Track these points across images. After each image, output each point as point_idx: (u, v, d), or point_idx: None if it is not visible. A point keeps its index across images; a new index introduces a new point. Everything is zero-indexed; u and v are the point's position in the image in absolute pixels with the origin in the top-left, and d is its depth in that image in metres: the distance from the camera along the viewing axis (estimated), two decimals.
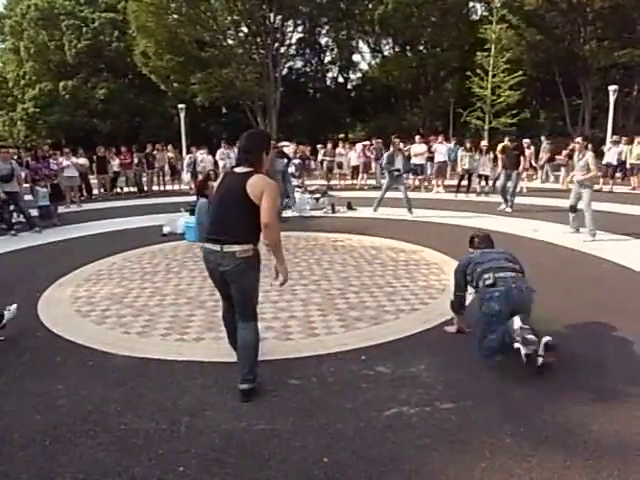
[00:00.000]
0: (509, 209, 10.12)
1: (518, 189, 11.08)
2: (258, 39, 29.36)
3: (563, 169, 14.69)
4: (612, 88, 17.67)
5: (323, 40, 35.87)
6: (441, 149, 14.21)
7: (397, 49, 33.87)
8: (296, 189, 11.68)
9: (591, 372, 3.30)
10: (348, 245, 7.35)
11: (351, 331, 4.05)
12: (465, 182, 13.27)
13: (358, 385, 3.18)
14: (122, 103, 32.48)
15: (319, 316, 4.39)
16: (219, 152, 15.10)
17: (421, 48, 32.28)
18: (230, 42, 29.21)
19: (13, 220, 9.05)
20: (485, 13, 29.60)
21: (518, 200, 10.54)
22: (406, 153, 12.58)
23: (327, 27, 33.35)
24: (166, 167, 16.33)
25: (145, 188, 15.56)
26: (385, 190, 9.89)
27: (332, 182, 16.11)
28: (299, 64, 37.44)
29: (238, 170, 3.03)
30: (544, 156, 15.94)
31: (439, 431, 2.67)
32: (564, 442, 2.56)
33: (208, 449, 2.55)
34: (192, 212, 7.77)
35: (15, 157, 11.52)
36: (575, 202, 7.59)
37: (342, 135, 32.64)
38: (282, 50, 31.01)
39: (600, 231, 7.45)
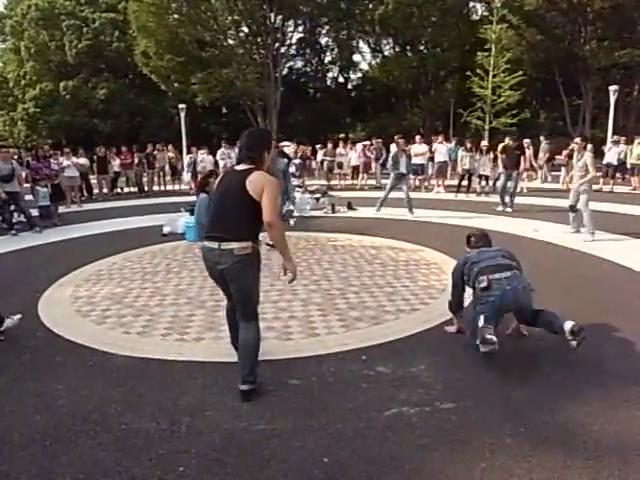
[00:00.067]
0: (509, 209, 10.12)
1: (518, 189, 11.09)
2: (258, 39, 29.37)
3: (563, 169, 14.69)
4: (612, 88, 17.67)
5: (323, 40, 35.94)
6: (441, 149, 14.22)
7: (397, 49, 33.90)
8: (296, 189, 11.69)
9: (591, 372, 3.30)
10: (348, 245, 7.35)
11: (351, 331, 4.05)
12: (465, 182, 13.28)
13: (358, 385, 3.18)
14: (123, 103, 32.50)
15: (319, 316, 4.39)
16: (219, 152, 15.11)
17: (421, 48, 32.30)
18: (230, 42, 29.22)
19: (14, 220, 9.05)
20: (485, 13, 29.62)
21: (518, 200, 10.54)
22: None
23: (327, 27, 33.34)
24: (166, 167, 16.33)
25: (145, 188, 15.56)
26: (389, 190, 9.89)
27: (332, 182, 16.11)
28: (299, 64, 37.50)
29: (239, 168, 3.02)
30: (543, 156, 15.93)
31: (439, 431, 2.67)
32: (564, 442, 2.56)
33: (208, 449, 2.55)
34: (192, 212, 7.75)
35: (16, 157, 11.52)
36: (575, 202, 7.59)
37: (342, 135, 32.65)
38: (282, 50, 31.02)
39: (600, 231, 7.46)
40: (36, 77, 33.85)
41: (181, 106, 21.37)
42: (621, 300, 4.68)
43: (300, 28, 33.02)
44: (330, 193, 12.42)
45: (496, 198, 11.02)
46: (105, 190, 15.28)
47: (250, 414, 2.86)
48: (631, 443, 2.54)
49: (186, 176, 15.72)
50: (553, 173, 16.25)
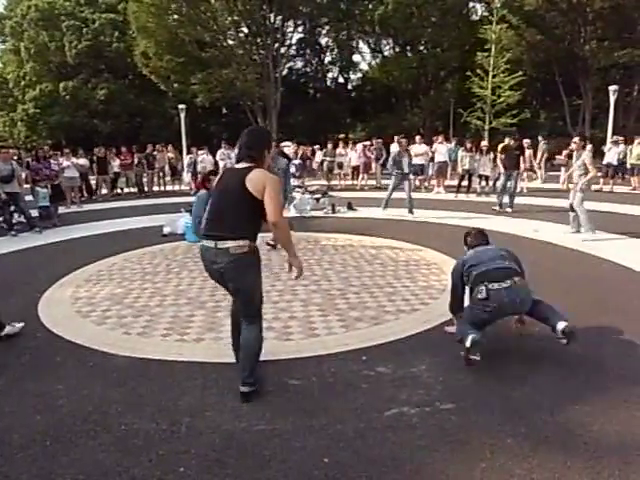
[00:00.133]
0: (509, 209, 10.11)
1: (518, 189, 11.08)
2: (258, 39, 29.40)
3: (563, 169, 14.69)
4: (612, 88, 17.67)
5: (323, 40, 35.99)
6: (441, 149, 14.22)
7: (397, 49, 33.93)
8: (296, 189, 11.69)
9: (591, 372, 3.29)
10: (348, 245, 7.35)
11: (351, 331, 4.04)
12: (465, 182, 13.28)
13: (359, 385, 3.17)
14: (122, 104, 32.53)
15: (319, 316, 4.38)
16: (219, 152, 15.11)
17: (421, 48, 32.32)
18: (230, 42, 29.24)
19: (13, 221, 9.05)
20: (485, 13, 29.63)
21: (518, 200, 10.54)
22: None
23: (327, 27, 33.38)
24: (166, 167, 16.34)
25: (145, 189, 15.56)
26: (392, 189, 9.87)
27: (332, 182, 16.11)
28: (299, 64, 37.56)
29: (238, 166, 3.00)
30: (541, 156, 15.91)
31: (440, 431, 2.67)
32: (564, 442, 2.56)
33: (208, 450, 2.55)
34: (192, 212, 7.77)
35: (15, 158, 11.53)
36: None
37: (342, 135, 32.67)
38: (282, 50, 31.05)
39: (600, 231, 7.46)
40: (36, 78, 33.88)
41: (181, 106, 21.39)
42: (621, 300, 4.68)
43: (300, 28, 33.11)
44: (330, 193, 12.41)
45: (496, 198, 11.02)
46: (105, 191, 15.29)
47: (250, 414, 2.86)
48: (631, 443, 2.53)
49: (186, 176, 15.73)
50: (552, 173, 16.25)
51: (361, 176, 16.03)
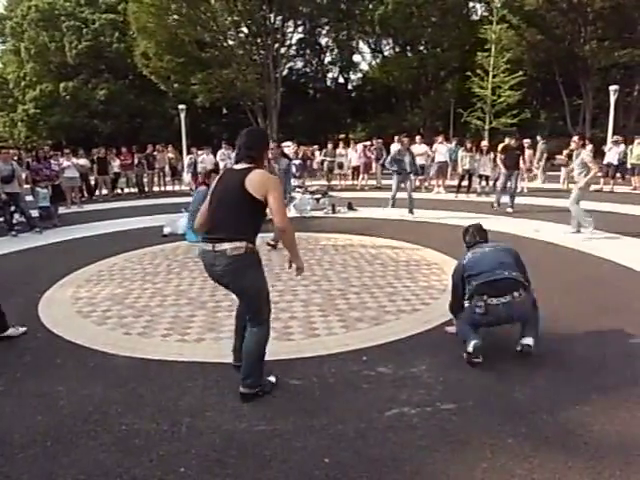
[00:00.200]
0: (509, 209, 10.11)
1: (519, 189, 11.07)
2: (258, 40, 29.40)
3: (563, 169, 14.69)
4: (613, 88, 17.66)
5: (323, 40, 36.00)
6: (441, 149, 14.22)
7: (397, 49, 33.92)
8: (297, 189, 11.70)
9: (591, 372, 3.29)
10: (349, 245, 7.35)
11: (352, 331, 4.04)
12: (465, 182, 13.28)
13: (359, 386, 3.17)
14: (122, 104, 32.53)
15: (320, 317, 4.38)
16: (220, 153, 15.10)
17: (421, 48, 32.32)
18: (230, 43, 29.25)
19: (14, 221, 9.05)
20: (485, 13, 29.65)
21: (518, 200, 10.54)
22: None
23: (327, 28, 33.40)
24: (166, 168, 16.35)
25: (146, 189, 15.57)
26: (396, 188, 9.79)
27: (333, 182, 16.11)
28: (299, 65, 37.55)
29: (237, 167, 2.98)
30: (540, 156, 15.90)
31: (440, 431, 2.67)
32: (565, 443, 2.56)
33: (209, 450, 2.55)
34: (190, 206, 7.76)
35: (16, 158, 11.53)
36: None
37: (342, 135, 32.69)
38: (282, 51, 31.06)
39: (600, 231, 7.46)
40: (36, 78, 33.88)
41: (181, 107, 21.37)
42: (621, 300, 4.68)
43: (300, 29, 33.13)
44: (330, 193, 12.41)
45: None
46: (105, 191, 15.30)
47: (251, 415, 2.86)
48: (632, 443, 2.53)
49: (186, 177, 15.73)
50: (552, 173, 16.24)
51: (361, 176, 16.03)
